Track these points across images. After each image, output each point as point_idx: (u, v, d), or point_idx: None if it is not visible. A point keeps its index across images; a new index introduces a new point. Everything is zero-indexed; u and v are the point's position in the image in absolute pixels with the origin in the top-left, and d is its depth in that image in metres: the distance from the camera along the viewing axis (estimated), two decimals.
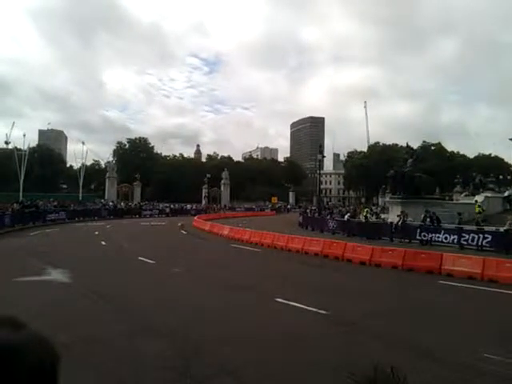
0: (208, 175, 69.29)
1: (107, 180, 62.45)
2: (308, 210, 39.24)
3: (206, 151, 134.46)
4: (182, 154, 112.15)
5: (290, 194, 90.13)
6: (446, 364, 5.46)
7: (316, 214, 33.74)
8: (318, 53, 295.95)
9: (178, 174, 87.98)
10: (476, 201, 26.73)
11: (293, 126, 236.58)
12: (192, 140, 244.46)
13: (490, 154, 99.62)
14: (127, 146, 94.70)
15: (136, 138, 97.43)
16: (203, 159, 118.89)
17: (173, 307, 7.97)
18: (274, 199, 79.76)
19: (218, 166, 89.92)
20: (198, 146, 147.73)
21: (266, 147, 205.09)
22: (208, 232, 26.07)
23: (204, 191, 69.96)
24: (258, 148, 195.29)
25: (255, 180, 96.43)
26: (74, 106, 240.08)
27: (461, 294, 10.13)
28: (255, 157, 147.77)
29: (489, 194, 30.89)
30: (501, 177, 52.74)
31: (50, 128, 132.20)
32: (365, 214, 28.36)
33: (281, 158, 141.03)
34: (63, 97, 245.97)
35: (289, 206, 75.51)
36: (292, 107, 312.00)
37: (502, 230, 18.81)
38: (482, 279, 11.45)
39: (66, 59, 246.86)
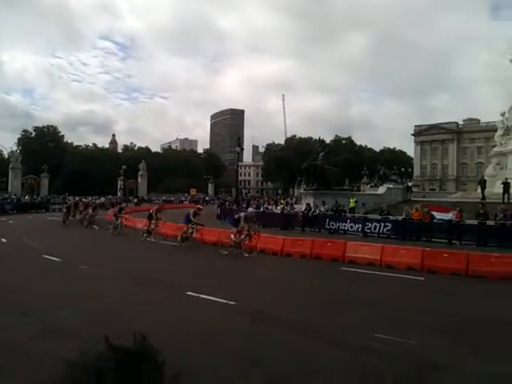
0: (124, 166, 66.72)
1: (10, 171, 57.28)
2: (226, 202, 39.51)
3: (121, 141, 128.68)
4: (95, 144, 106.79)
5: (210, 185, 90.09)
6: (344, 346, 5.91)
7: (234, 206, 34.16)
8: (235, 43, 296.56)
9: (91, 165, 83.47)
10: (354, 195, 28.64)
11: (213, 117, 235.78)
12: (105, 129, 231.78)
13: (394, 148, 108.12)
14: (33, 135, 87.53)
15: (44, 126, 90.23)
16: (119, 150, 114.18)
17: (78, 305, 7.67)
18: (193, 191, 79.20)
19: (135, 156, 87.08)
20: (114, 135, 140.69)
21: (186, 138, 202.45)
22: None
23: (120, 183, 67.28)
24: (177, 139, 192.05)
25: (174, 171, 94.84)
26: None
27: (361, 280, 10.98)
28: (174, 148, 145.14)
29: (391, 186, 33.59)
30: (403, 169, 57.81)
31: None
32: (282, 205, 29.43)
33: (200, 150, 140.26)
34: None
35: (207, 198, 75.41)
36: (211, 98, 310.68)
37: (400, 218, 20.65)
38: (380, 265, 12.50)
39: None
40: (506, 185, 26.07)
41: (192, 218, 16.55)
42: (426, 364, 5.25)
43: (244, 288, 9.58)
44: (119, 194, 64.46)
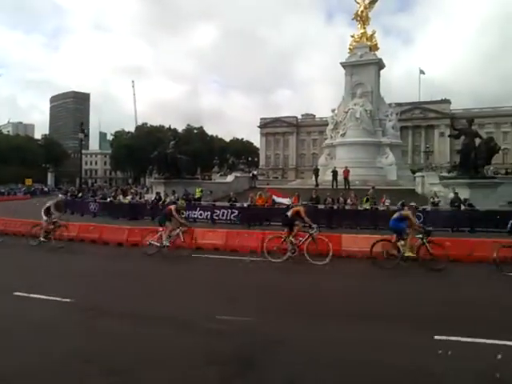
0: None
1: None
2: (68, 193, 36.34)
3: None
4: None
5: (49, 175, 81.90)
6: (188, 331, 5.98)
7: (77, 197, 31.71)
8: (78, 19, 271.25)
9: None
10: (200, 184, 29.02)
11: (53, 100, 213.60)
12: None
13: (243, 139, 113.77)
14: None
15: None
16: None
17: None
18: (29, 181, 70.89)
19: None
20: None
21: (20, 122, 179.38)
22: None
23: None
24: (9, 123, 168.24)
25: (5, 159, 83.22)
26: None
27: (206, 265, 11.34)
28: (6, 133, 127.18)
29: (238, 174, 35.31)
30: (250, 158, 61.26)
31: None
32: (131, 195, 28.37)
33: (38, 136, 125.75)
34: None
35: (46, 189, 68.33)
36: (51, 78, 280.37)
37: (245, 205, 21.86)
38: (225, 250, 13.08)
39: None
40: (334, 173, 29.72)
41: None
42: (263, 339, 5.62)
43: (80, 284, 9.00)
44: None
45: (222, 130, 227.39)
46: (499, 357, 4.92)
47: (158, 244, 12.25)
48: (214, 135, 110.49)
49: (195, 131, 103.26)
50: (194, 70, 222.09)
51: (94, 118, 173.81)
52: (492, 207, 18.38)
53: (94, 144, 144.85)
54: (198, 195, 25.10)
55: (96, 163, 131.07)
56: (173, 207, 12.86)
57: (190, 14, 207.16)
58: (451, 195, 19.90)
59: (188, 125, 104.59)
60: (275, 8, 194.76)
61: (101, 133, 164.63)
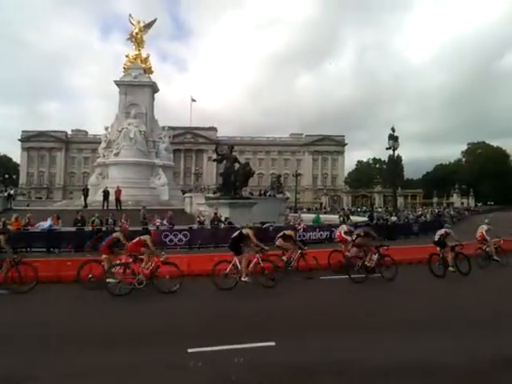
0: None
1: None
2: None
3: None
4: None
5: None
6: None
7: None
8: None
9: None
10: None
11: None
12: None
13: None
14: None
15: None
16: None
17: None
18: None
19: None
20: None
21: None
22: None
23: None
24: None
25: None
26: None
27: None
28: None
29: None
30: (7, 176, 53.19)
31: None
32: None
33: None
34: None
35: None
36: None
37: None
38: None
39: None
40: (105, 193, 28.60)
41: None
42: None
43: None
44: None
45: None
46: (236, 360, 5.62)
47: None
48: None
49: None
50: None
51: None
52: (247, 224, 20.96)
53: None
54: None
55: None
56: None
57: None
58: (213, 214, 21.79)
59: None
60: (43, 13, 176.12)
61: None
